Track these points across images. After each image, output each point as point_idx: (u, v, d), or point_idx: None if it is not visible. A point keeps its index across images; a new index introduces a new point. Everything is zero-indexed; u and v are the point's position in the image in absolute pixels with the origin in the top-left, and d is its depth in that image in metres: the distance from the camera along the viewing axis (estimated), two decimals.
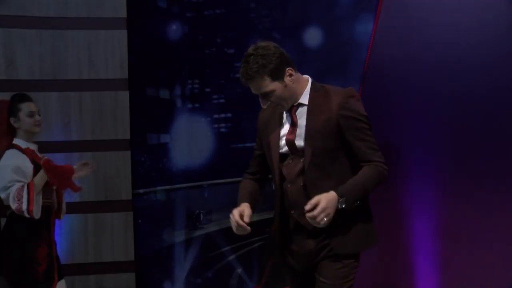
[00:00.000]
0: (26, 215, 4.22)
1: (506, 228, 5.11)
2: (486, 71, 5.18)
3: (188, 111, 5.71)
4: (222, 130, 5.69)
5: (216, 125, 5.70)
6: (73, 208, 5.47)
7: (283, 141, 3.19)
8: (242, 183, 3.40)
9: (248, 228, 3.13)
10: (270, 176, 3.41)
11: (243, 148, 5.65)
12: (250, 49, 3.12)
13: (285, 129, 3.21)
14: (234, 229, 3.15)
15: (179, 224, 5.71)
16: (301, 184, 3.15)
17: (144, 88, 5.71)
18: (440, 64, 5.25)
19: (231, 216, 3.15)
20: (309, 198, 3.07)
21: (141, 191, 5.70)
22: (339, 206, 3.03)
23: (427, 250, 5.30)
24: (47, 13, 5.47)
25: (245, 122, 5.67)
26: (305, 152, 3.13)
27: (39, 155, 4.43)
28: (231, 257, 5.65)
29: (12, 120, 4.37)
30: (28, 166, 4.28)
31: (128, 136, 5.64)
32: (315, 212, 2.99)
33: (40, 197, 4.27)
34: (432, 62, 5.26)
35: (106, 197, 5.57)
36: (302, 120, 3.17)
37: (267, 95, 3.12)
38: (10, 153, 4.29)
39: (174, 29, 5.70)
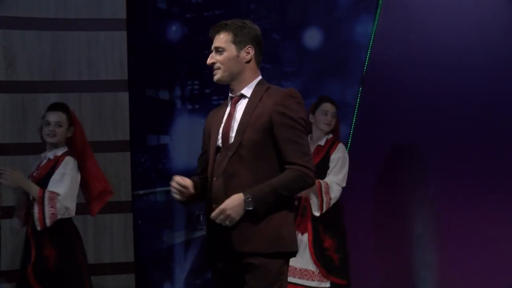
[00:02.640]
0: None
1: (506, 229, 5.13)
2: (486, 71, 5.19)
3: (188, 112, 5.72)
4: None
5: None
6: None
7: (220, 134, 3.18)
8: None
9: (190, 189, 3.11)
10: None
11: None
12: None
13: (224, 121, 3.21)
14: (177, 194, 3.13)
15: (178, 225, 5.71)
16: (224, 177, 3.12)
17: (143, 89, 5.72)
18: (440, 65, 5.26)
19: (171, 183, 3.14)
20: (227, 190, 3.06)
21: (140, 192, 5.70)
22: (247, 208, 3.00)
23: (427, 250, 5.30)
24: (47, 14, 5.47)
25: None
26: (233, 144, 3.10)
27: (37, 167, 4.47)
28: None
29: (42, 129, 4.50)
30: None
31: (127, 137, 5.64)
32: (213, 213, 3.01)
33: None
34: (431, 63, 5.27)
35: None
36: (239, 113, 3.17)
37: (217, 50, 3.17)
38: None
39: (174, 30, 5.71)
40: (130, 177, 5.63)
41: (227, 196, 3.05)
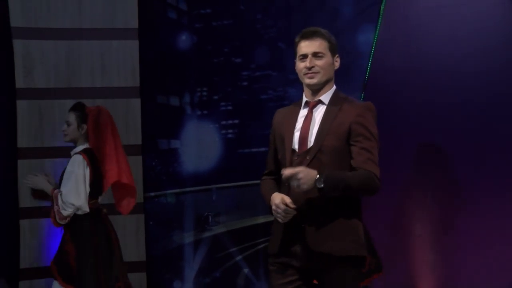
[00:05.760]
0: None
1: (506, 229, 5.16)
2: (485, 79, 5.21)
3: (197, 117, 5.76)
4: (230, 136, 5.74)
5: (223, 131, 5.75)
6: None
7: (296, 137, 3.23)
8: (264, 183, 3.40)
9: (294, 211, 3.14)
10: None
11: (249, 153, 5.70)
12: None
13: (299, 124, 3.26)
14: (281, 217, 3.14)
15: (188, 226, 5.75)
16: None
17: (155, 96, 5.75)
18: (440, 72, 5.29)
19: (274, 207, 3.14)
20: (305, 194, 3.13)
21: (152, 194, 5.73)
22: (317, 185, 3.07)
23: (427, 251, 5.33)
24: (63, 25, 5.52)
25: (251, 128, 5.71)
26: (312, 149, 3.17)
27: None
28: (238, 258, 5.70)
29: None
30: None
31: (139, 142, 5.67)
32: (286, 172, 3.07)
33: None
34: (431, 71, 5.30)
35: None
36: (318, 118, 3.24)
37: (317, 55, 3.24)
38: None
39: (184, 39, 5.75)
40: (142, 180, 5.64)
41: (305, 199, 3.13)
